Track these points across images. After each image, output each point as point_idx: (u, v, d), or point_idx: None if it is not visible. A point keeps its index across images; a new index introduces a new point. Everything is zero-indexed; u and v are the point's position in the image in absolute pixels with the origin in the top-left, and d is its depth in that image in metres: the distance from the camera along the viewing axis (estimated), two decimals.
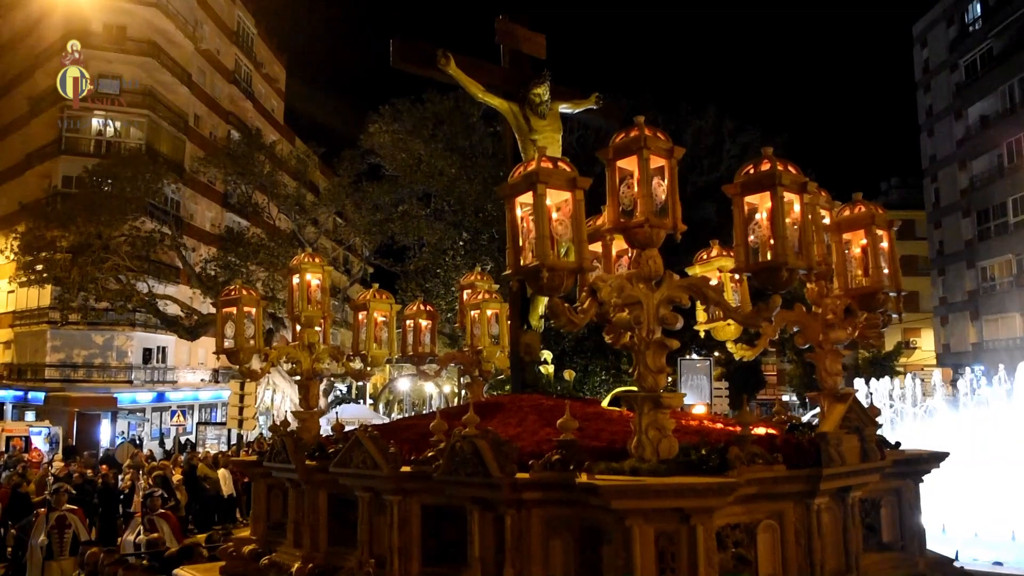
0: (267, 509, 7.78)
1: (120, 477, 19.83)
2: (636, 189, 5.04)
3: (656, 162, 5.04)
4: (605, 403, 7.72)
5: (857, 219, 5.85)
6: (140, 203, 29.87)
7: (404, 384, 50.36)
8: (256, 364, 8.25)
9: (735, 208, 5.12)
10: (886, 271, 5.84)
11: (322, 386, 31.77)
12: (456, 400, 40.75)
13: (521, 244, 5.03)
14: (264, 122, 52.53)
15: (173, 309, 32.12)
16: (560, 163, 5.04)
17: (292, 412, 8.28)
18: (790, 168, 5.02)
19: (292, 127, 57.99)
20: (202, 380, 45.29)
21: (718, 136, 32.37)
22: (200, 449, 28.33)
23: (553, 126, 8.94)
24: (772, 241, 4.92)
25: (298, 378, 7.99)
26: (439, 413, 6.60)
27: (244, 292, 7.81)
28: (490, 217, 29.66)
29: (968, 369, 33.20)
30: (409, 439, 6.43)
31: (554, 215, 4.96)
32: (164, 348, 42.09)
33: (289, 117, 60.78)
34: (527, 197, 5.00)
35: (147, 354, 41.26)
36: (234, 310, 7.70)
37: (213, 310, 33.14)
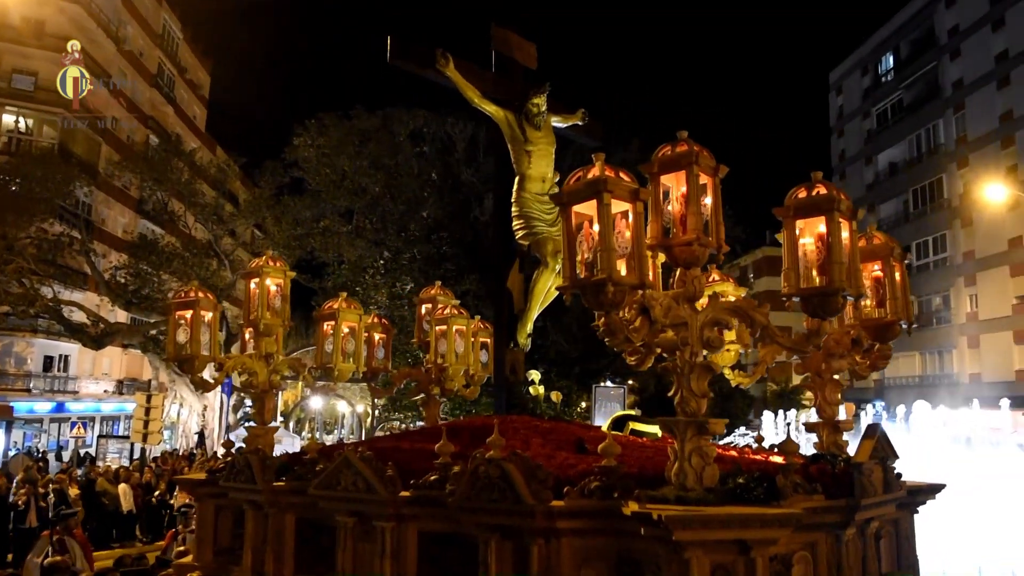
0: (214, 533, 7.19)
1: (12, 491, 18.90)
2: (681, 206, 4.80)
3: (702, 179, 4.85)
4: (606, 427, 7.56)
5: (875, 250, 5.77)
6: (50, 205, 28.76)
7: (316, 402, 49.50)
8: (207, 374, 7.83)
9: (786, 231, 4.90)
10: (900, 302, 5.86)
11: (231, 402, 30.74)
12: (369, 421, 40.20)
13: (579, 256, 4.71)
14: (185, 128, 51.34)
15: (79, 316, 30.93)
16: (622, 172, 4.77)
17: (247, 428, 7.73)
18: (843, 195, 4.86)
19: (214, 136, 56.82)
20: (105, 391, 43.62)
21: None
22: (100, 463, 27.27)
23: (548, 138, 8.82)
24: (828, 266, 4.72)
25: (253, 390, 7.44)
26: (414, 433, 6.28)
27: (201, 295, 7.29)
28: (412, 237, 29.55)
29: (870, 405, 34.37)
30: (396, 462, 5.98)
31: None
32: (66, 356, 40.43)
33: (211, 125, 59.56)
34: (586, 206, 4.70)
35: (48, 362, 39.57)
36: (189, 314, 7.16)
37: (121, 318, 32.00)
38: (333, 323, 7.76)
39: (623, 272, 4.62)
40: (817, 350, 5.34)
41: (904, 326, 5.94)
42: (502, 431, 6.49)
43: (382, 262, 29.21)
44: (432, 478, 5.43)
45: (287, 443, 25.43)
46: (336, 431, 60.62)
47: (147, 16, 48.19)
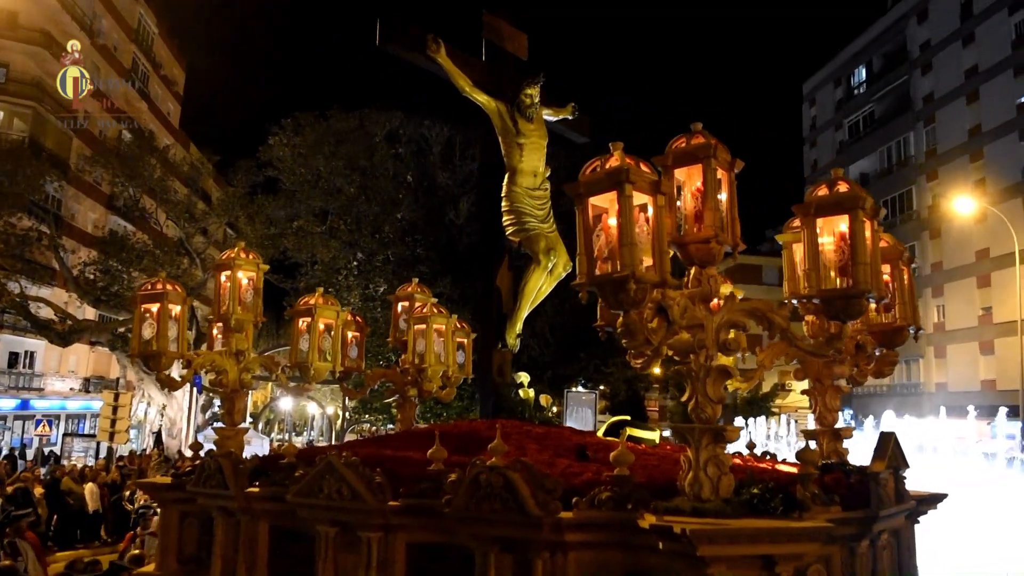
0: (179, 540, 6.82)
1: None
2: (696, 201, 4.55)
3: (718, 174, 4.60)
4: (601, 433, 7.25)
5: (884, 253, 5.41)
6: (19, 199, 28.34)
7: (286, 403, 49.16)
8: (175, 372, 7.45)
9: (805, 231, 4.67)
10: (908, 307, 5.66)
11: (200, 401, 30.44)
12: (340, 423, 39.97)
13: (596, 251, 4.40)
14: (159, 125, 50.79)
15: (46, 312, 30.50)
16: (642, 163, 4.44)
17: (215, 429, 7.29)
18: (865, 193, 4.63)
19: (188, 133, 56.30)
20: (72, 389, 43.02)
21: None
22: (66, 462, 26.89)
23: (540, 131, 8.53)
24: (853, 267, 4.47)
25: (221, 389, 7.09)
26: (396, 438, 5.93)
27: (169, 287, 6.90)
28: (387, 239, 29.44)
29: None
30: (382, 468, 5.60)
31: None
32: (32, 353, 39.81)
33: (186, 122, 59.02)
34: (604, 198, 4.39)
35: (13, 358, 38.95)
36: (155, 307, 6.76)
37: (89, 315, 31.60)
38: (309, 319, 7.36)
39: (644, 268, 4.33)
40: (839, 354, 5.06)
41: (912, 332, 5.80)
42: (494, 436, 6.20)
43: (355, 263, 29.08)
44: (424, 486, 5.16)
45: (256, 445, 25.19)
46: (306, 433, 60.23)
47: (122, 10, 47.71)
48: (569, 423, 22.07)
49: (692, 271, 4.74)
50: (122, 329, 28.40)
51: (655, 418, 61.91)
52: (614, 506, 4.53)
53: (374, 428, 43.74)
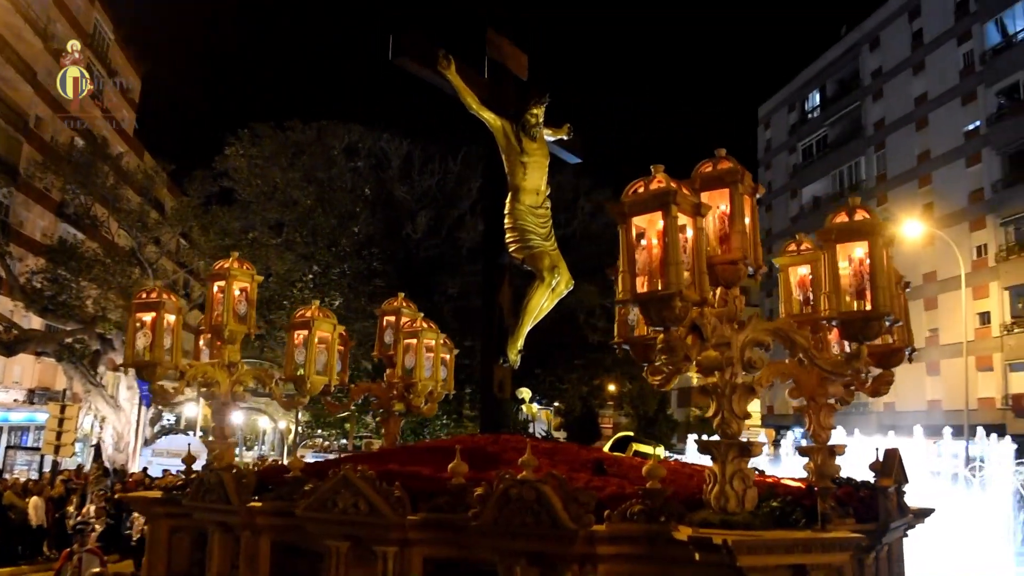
0: (168, 556, 6.66)
1: None
2: (722, 224, 4.72)
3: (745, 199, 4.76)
4: (606, 448, 7.37)
5: None
6: None
7: (237, 417, 48.43)
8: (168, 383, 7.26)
9: (827, 254, 4.88)
10: (905, 328, 5.91)
11: (149, 414, 29.83)
12: (292, 437, 39.47)
13: (639, 269, 4.52)
14: (113, 132, 49.88)
15: None
16: (684, 186, 4.59)
17: (207, 441, 7.23)
18: (882, 221, 4.87)
19: (143, 141, 55.47)
20: (16, 400, 41.93)
21: (575, 193, 33.37)
22: (8, 476, 26.19)
23: (542, 150, 8.60)
24: (873, 291, 4.69)
25: (212, 401, 7.05)
26: (397, 453, 5.78)
27: (166, 296, 6.83)
28: (343, 252, 29.27)
29: (790, 431, 35.17)
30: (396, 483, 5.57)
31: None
32: None
33: (141, 130, 58.15)
34: (647, 218, 4.51)
35: None
36: (151, 317, 6.63)
37: (36, 325, 30.79)
38: (306, 332, 7.30)
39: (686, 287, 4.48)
40: (858, 374, 5.33)
41: (908, 352, 6.02)
42: (501, 451, 6.27)
43: (311, 276, 28.84)
44: (443, 500, 5.17)
45: (205, 459, 24.74)
46: (257, 447, 59.39)
47: (78, 15, 46.98)
48: None
49: (719, 291, 4.91)
50: (70, 340, 27.79)
51: (608, 433, 62.50)
52: (646, 519, 4.59)
53: (327, 443, 43.31)
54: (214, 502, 6.17)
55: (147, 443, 28.96)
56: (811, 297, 5.95)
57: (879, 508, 4.96)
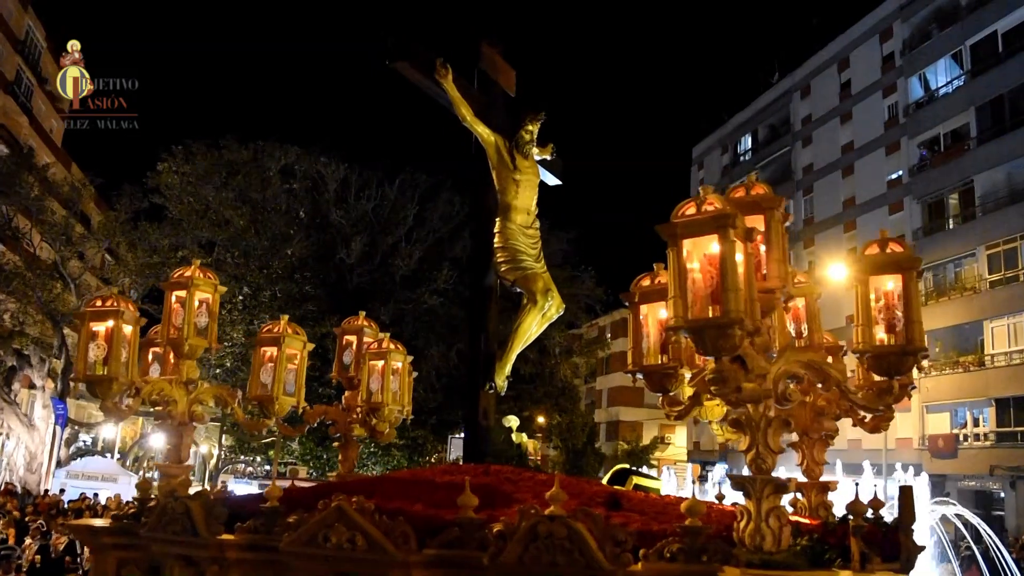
0: None
1: None
2: (755, 252, 4.53)
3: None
4: (605, 480, 7.05)
5: None
6: None
7: (157, 440, 47.02)
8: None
9: (859, 287, 4.79)
10: None
11: (64, 435, 28.77)
12: (214, 462, 38.42)
13: (691, 294, 4.29)
14: (40, 142, 48.62)
15: None
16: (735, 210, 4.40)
17: (161, 466, 6.62)
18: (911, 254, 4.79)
19: (71, 152, 54.09)
20: None
21: None
22: None
23: (533, 168, 8.34)
24: (908, 325, 4.62)
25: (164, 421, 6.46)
26: (385, 483, 5.35)
27: (122, 304, 6.25)
28: (275, 274, 28.85)
29: (714, 467, 35.63)
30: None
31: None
32: None
33: (69, 141, 56.69)
34: (700, 241, 4.30)
35: None
36: (105, 327, 6.09)
37: None
38: (275, 349, 6.80)
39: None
40: (889, 409, 5.26)
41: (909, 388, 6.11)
42: (498, 483, 5.85)
43: (240, 298, 28.29)
44: (452, 536, 4.82)
45: (123, 482, 24.00)
46: None
47: (8, 20, 45.74)
48: None
49: None
50: None
51: (535, 465, 62.37)
52: (686, 559, 4.33)
53: (250, 469, 42.26)
54: (177, 533, 5.57)
55: (60, 464, 27.89)
56: (804, 330, 5.91)
57: (901, 547, 4.81)
